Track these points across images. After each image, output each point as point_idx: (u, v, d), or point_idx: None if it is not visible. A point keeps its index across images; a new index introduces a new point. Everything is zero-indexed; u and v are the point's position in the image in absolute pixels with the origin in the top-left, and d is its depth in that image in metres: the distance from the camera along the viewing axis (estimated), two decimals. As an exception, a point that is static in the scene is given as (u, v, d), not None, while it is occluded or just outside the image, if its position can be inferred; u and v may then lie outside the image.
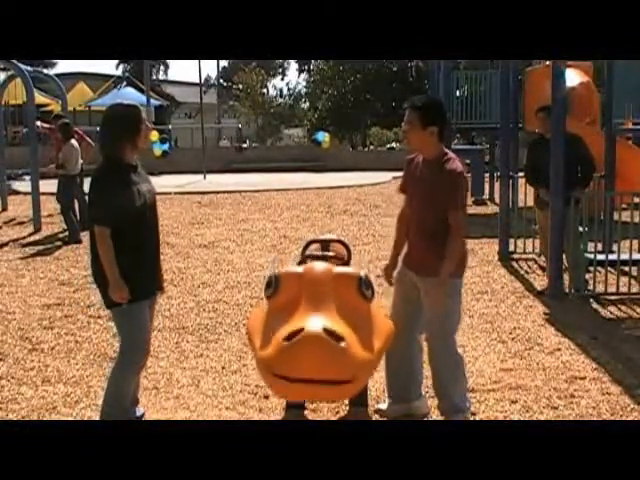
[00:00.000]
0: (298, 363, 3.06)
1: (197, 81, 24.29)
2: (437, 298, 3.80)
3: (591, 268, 6.92)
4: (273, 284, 3.52)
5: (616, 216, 8.06)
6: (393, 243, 4.22)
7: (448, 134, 3.98)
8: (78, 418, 4.22)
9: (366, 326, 3.39)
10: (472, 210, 13.40)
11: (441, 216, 3.79)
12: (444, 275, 3.75)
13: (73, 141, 10.34)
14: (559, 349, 5.38)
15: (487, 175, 15.36)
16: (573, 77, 10.77)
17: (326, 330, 3.09)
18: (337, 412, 4.26)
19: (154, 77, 45.66)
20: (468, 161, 15.56)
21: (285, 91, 46.37)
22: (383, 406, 4.24)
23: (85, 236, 10.01)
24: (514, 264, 8.44)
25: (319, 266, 3.59)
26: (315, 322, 3.15)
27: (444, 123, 3.90)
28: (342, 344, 3.08)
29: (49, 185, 11.40)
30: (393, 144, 42.23)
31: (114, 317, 3.86)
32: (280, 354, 3.10)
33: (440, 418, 4.05)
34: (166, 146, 18.97)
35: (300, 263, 3.96)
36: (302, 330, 3.09)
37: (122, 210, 3.66)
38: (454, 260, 3.77)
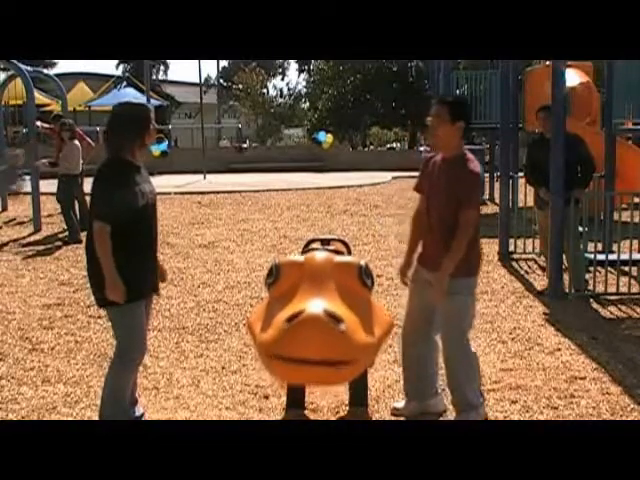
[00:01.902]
0: (298, 344, 3.07)
1: (197, 81, 24.28)
2: (448, 297, 3.83)
3: (591, 268, 6.92)
4: (274, 273, 3.53)
5: (616, 216, 8.06)
6: (408, 243, 4.23)
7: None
8: (78, 418, 4.22)
9: (366, 312, 3.42)
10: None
11: (456, 215, 3.81)
12: (444, 270, 3.78)
13: (76, 141, 10.35)
14: (559, 349, 5.38)
15: (487, 175, 15.35)
16: (573, 77, 10.78)
17: (327, 312, 3.11)
18: (337, 412, 4.26)
19: (154, 77, 45.63)
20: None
21: (285, 91, 46.39)
22: (399, 404, 4.25)
23: (85, 236, 10.01)
24: (514, 264, 8.44)
25: (320, 255, 3.62)
26: (316, 304, 3.18)
27: (469, 121, 3.98)
28: (342, 326, 3.10)
29: (49, 185, 11.40)
30: (393, 144, 42.25)
31: (110, 316, 3.87)
32: (281, 335, 3.12)
33: (450, 417, 4.06)
34: (164, 146, 18.94)
35: None
36: (302, 312, 3.10)
37: (124, 209, 3.65)
38: (457, 256, 3.79)
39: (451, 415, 4.11)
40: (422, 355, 4.11)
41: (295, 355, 3.09)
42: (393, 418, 4.17)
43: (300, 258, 3.64)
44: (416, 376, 4.15)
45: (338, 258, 3.63)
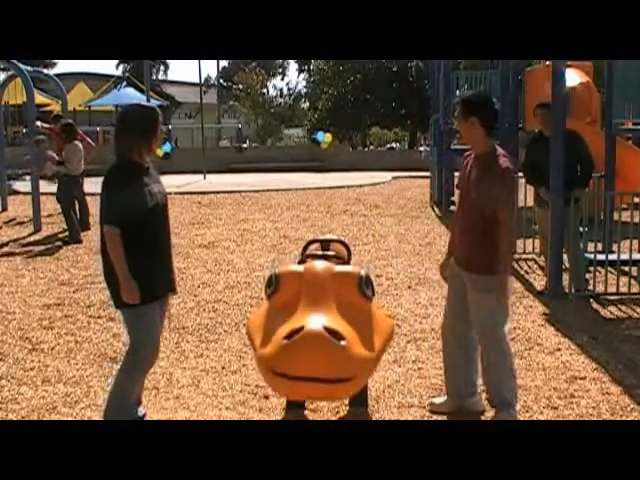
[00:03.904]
0: (298, 361, 3.05)
1: (197, 81, 24.29)
2: (479, 295, 3.87)
3: (591, 268, 6.92)
4: (273, 283, 3.52)
5: (616, 216, 8.06)
6: (449, 240, 4.28)
7: (493, 130, 4.00)
8: (78, 418, 4.22)
9: (366, 325, 3.39)
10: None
11: (485, 213, 3.82)
12: (505, 275, 3.82)
13: (77, 142, 10.34)
14: (559, 349, 5.38)
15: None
16: (573, 77, 10.77)
17: (326, 328, 3.09)
18: (337, 412, 4.26)
19: (154, 77, 45.67)
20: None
21: (285, 91, 46.45)
22: (437, 400, 4.27)
23: (85, 236, 10.02)
24: (514, 264, 8.44)
25: (319, 265, 3.58)
26: (315, 320, 3.15)
27: (487, 116, 3.91)
28: (342, 342, 3.08)
29: (49, 185, 11.39)
30: (393, 144, 42.26)
31: (124, 318, 3.86)
32: (280, 352, 3.10)
33: (476, 417, 4.06)
34: (168, 147, 18.93)
35: (300, 263, 3.96)
36: (302, 328, 3.09)
37: (133, 211, 3.65)
38: (510, 258, 3.82)
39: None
40: (462, 351, 4.11)
41: (296, 373, 3.07)
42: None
43: (299, 268, 3.60)
44: (455, 373, 4.16)
45: (338, 268, 3.59)
